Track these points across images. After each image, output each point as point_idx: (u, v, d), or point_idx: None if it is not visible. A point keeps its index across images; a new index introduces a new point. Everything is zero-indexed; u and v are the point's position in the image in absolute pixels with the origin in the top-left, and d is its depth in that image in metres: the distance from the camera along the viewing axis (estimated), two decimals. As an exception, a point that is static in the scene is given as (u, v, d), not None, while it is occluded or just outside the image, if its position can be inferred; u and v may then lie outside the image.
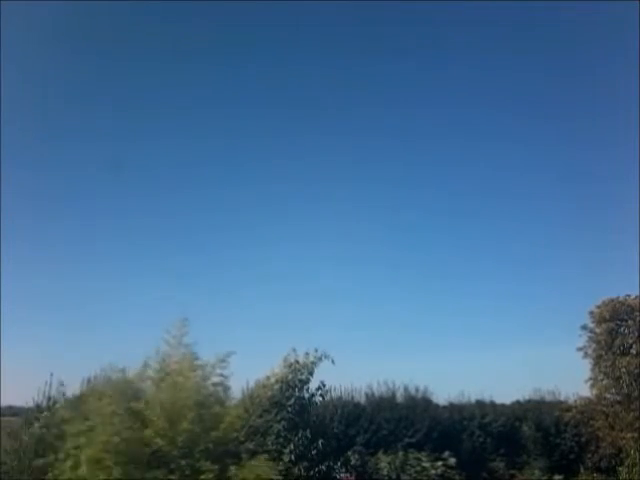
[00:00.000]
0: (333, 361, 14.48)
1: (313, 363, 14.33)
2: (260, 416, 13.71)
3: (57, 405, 13.51)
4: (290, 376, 14.24)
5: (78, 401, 11.07)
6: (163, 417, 8.19)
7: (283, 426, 13.62)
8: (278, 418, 13.78)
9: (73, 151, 39.26)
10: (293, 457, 13.40)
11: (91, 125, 38.34)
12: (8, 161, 32.38)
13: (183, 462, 8.19)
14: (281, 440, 13.49)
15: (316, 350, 14.44)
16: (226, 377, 9.15)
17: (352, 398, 23.23)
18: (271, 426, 13.65)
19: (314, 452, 13.70)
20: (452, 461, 18.59)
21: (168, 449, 8.15)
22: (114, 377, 9.16)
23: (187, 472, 8.16)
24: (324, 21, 38.13)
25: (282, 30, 39.16)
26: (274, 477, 8.58)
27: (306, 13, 37.36)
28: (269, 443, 13.07)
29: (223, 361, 9.03)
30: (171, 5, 34.41)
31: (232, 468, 8.18)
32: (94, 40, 36.14)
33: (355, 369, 27.93)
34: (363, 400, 23.46)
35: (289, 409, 13.85)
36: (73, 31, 36.61)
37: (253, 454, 9.02)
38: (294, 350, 14.61)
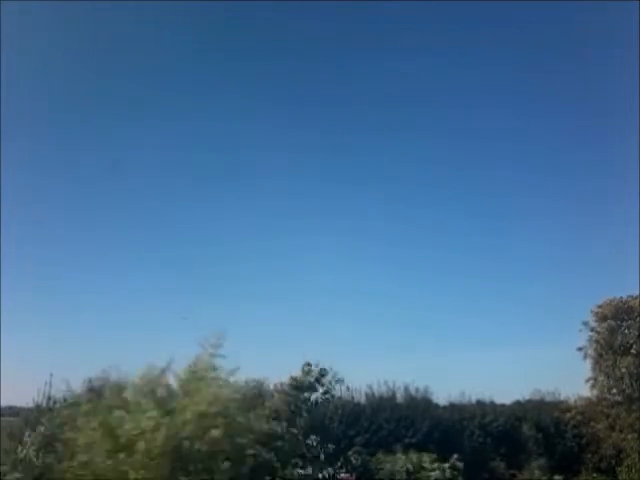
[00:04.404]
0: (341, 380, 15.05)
1: (322, 375, 14.64)
2: (275, 419, 13.64)
3: (67, 402, 13.23)
4: (301, 383, 14.33)
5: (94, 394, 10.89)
6: (195, 422, 8.23)
7: (295, 431, 13.48)
8: (290, 423, 13.65)
9: (73, 150, 38.69)
10: (302, 462, 13.27)
11: (91, 124, 37.81)
12: (8, 161, 31.77)
13: (202, 465, 8.20)
14: (293, 444, 13.33)
15: (323, 368, 15.13)
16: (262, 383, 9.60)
17: (352, 398, 23.05)
18: (286, 431, 13.53)
19: (323, 456, 13.60)
20: (459, 465, 18.40)
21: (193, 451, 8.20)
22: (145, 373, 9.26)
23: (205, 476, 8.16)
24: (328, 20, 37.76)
25: (285, 32, 38.81)
26: None
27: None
28: (284, 447, 12.95)
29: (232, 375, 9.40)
30: (172, 5, 33.96)
31: None
32: (94, 40, 35.54)
33: (355, 369, 27.86)
34: (363, 400, 23.31)
35: (303, 414, 13.77)
36: (73, 31, 36.04)
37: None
38: (308, 364, 14.97)
